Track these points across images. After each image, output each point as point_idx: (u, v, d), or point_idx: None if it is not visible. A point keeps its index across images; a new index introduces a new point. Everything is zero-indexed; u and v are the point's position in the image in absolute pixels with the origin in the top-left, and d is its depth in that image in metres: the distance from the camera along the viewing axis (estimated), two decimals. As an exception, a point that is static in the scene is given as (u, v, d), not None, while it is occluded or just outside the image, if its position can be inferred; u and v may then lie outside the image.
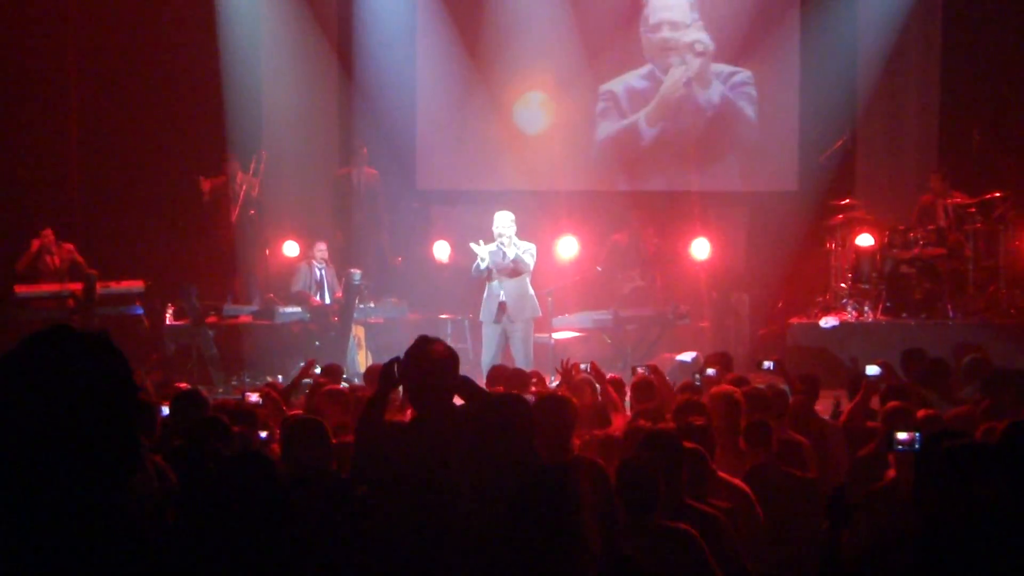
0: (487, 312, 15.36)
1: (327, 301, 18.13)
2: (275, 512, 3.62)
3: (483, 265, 15.18)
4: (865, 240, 17.39)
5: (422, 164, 21.18)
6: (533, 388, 10.25)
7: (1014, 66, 19.07)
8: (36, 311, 17.11)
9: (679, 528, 5.92)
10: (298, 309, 17.83)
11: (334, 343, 17.31)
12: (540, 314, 15.73)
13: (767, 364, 11.42)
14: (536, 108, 20.76)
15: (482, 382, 10.78)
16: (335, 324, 17.61)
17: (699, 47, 20.31)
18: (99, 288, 17.35)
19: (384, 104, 20.34)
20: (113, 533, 2.67)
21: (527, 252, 15.22)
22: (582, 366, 10.66)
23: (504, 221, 15.24)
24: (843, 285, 17.70)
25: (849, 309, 17.29)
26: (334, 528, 5.37)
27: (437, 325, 18.19)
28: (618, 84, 20.71)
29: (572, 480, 4.94)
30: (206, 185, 18.99)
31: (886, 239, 17.29)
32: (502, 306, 15.18)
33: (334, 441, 7.32)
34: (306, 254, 18.73)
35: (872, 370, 11.08)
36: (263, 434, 8.16)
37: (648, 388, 10.07)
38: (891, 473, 7.51)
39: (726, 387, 9.24)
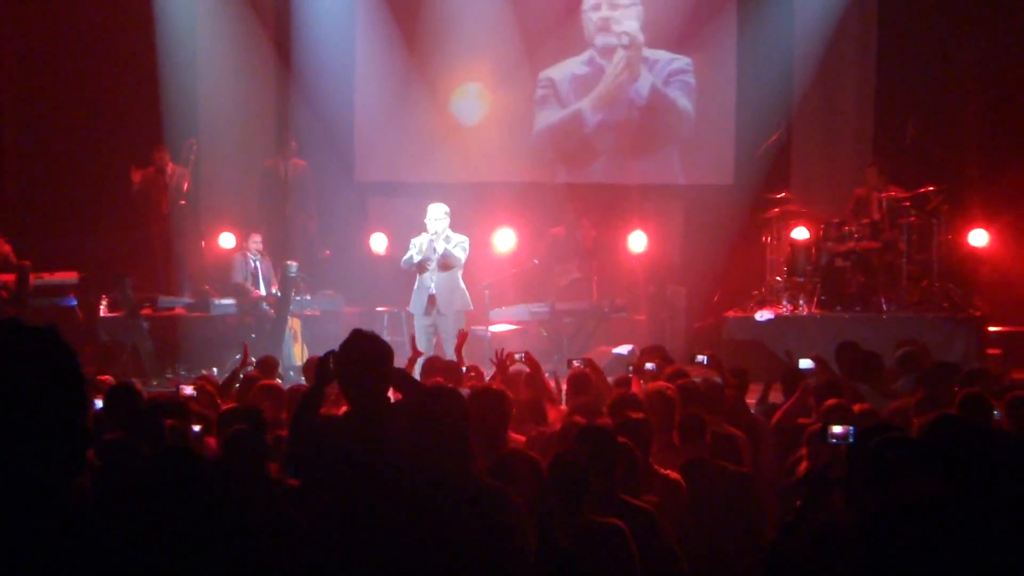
0: (417, 304, 15.34)
1: (263, 293, 18.03)
2: (201, 507, 3.60)
3: (416, 259, 15.15)
4: (800, 233, 17.46)
5: (360, 156, 21.12)
6: (469, 382, 10.23)
7: (950, 60, 19.19)
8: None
9: (608, 523, 5.94)
10: (232, 301, 17.74)
11: (269, 336, 17.23)
12: (471, 307, 15.68)
13: (701, 358, 11.44)
14: (473, 99, 20.74)
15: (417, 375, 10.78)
16: (271, 316, 17.53)
17: (625, 39, 20.31)
18: (32, 279, 17.20)
19: (322, 95, 20.26)
20: (59, 526, 2.65)
21: (459, 245, 15.18)
22: (516, 356, 10.66)
23: (436, 214, 15.20)
24: (778, 278, 17.77)
25: (784, 302, 17.37)
26: (266, 523, 5.35)
27: (374, 318, 18.16)
28: (558, 71, 20.69)
29: (508, 497, 4.95)
30: (136, 176, 18.86)
31: (821, 232, 17.37)
32: (431, 299, 15.15)
33: (268, 436, 7.30)
34: (241, 245, 18.62)
35: (805, 363, 11.15)
36: (196, 428, 8.10)
37: (584, 381, 10.07)
38: (803, 467, 7.57)
39: (660, 383, 9.27)
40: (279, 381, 11.21)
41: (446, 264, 15.11)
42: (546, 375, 10.69)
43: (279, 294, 17.66)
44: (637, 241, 18.87)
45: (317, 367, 6.44)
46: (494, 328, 17.55)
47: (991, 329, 16.99)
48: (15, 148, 20.12)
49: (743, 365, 11.73)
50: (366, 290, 18.84)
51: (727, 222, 19.18)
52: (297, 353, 17.42)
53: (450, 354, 14.36)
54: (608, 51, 20.42)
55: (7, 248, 17.70)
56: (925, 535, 3.27)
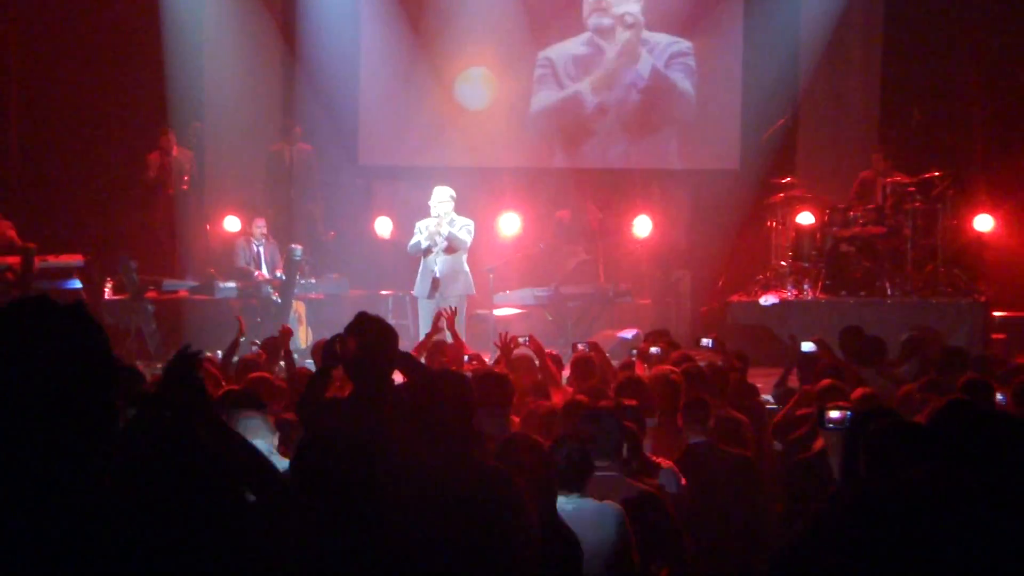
0: (421, 287, 15.31)
1: (266, 276, 18.02)
2: (205, 489, 3.60)
3: (425, 243, 15.12)
4: (805, 218, 17.45)
5: (364, 139, 21.10)
6: (472, 364, 10.23)
7: (955, 46, 19.16)
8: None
9: (607, 504, 5.95)
10: (234, 284, 17.74)
11: (274, 319, 17.23)
12: (474, 291, 15.64)
13: (706, 341, 11.45)
14: (478, 83, 20.71)
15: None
16: (275, 299, 17.54)
17: (629, 19, 20.26)
18: (37, 262, 17.19)
19: (327, 79, 20.23)
20: (89, 504, 2.68)
21: (464, 228, 15.13)
22: (520, 340, 10.66)
23: (441, 196, 15.16)
24: (783, 263, 17.77)
25: (789, 287, 17.36)
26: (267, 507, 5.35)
27: (378, 301, 18.16)
28: (556, 51, 20.62)
29: (514, 483, 4.95)
30: (155, 159, 18.89)
31: (826, 217, 17.35)
32: (435, 282, 15.11)
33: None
34: (246, 229, 18.62)
35: (807, 347, 11.15)
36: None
37: (588, 365, 10.07)
38: (819, 443, 7.56)
39: (665, 367, 9.28)
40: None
41: (451, 247, 15.08)
42: (550, 359, 10.67)
43: (284, 277, 17.67)
44: (642, 225, 18.87)
45: (323, 350, 6.46)
46: (498, 312, 17.55)
47: (996, 314, 17.00)
48: (20, 131, 20.11)
49: (748, 349, 11.74)
50: (370, 274, 18.85)
51: (732, 207, 19.14)
52: (302, 336, 17.43)
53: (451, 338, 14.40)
54: (607, 32, 20.36)
55: (12, 231, 17.70)
56: (909, 515, 3.28)
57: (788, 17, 19.67)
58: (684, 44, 20.30)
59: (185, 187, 18.95)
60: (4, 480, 2.67)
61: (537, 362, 10.32)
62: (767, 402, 11.26)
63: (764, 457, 8.98)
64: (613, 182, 20.27)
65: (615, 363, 11.38)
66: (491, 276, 17.31)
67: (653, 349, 10.96)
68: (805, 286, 17.29)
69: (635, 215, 19.00)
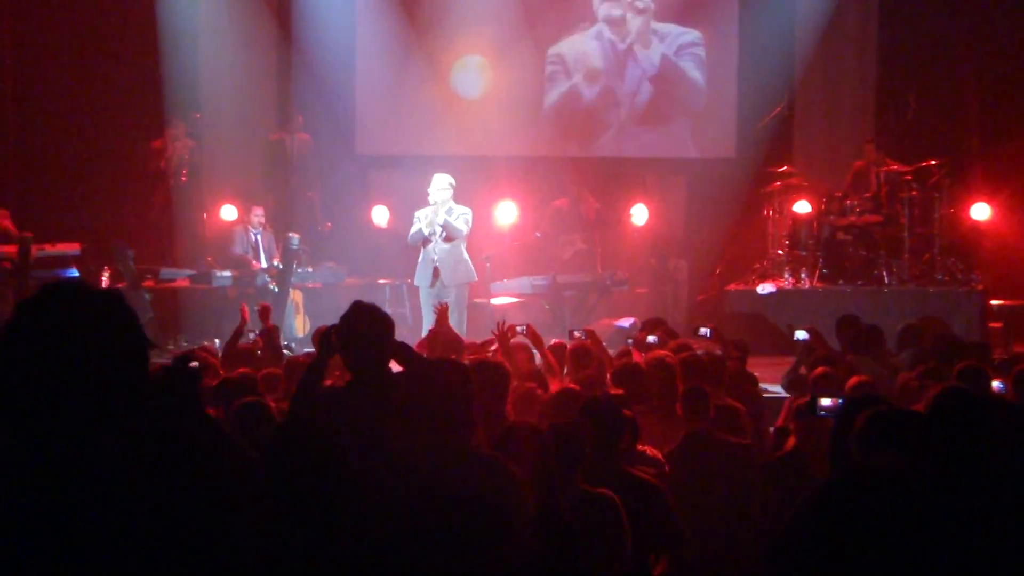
0: (422, 276, 15.29)
1: (263, 265, 18.03)
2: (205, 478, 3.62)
3: (426, 231, 15.11)
4: (802, 207, 17.45)
5: (361, 128, 21.09)
6: (468, 356, 10.22)
7: (951, 34, 19.17)
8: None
9: (601, 493, 5.96)
10: (229, 273, 17.73)
11: (272, 307, 17.23)
12: (475, 279, 15.64)
13: (704, 330, 11.44)
14: (474, 72, 20.69)
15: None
16: (272, 288, 17.54)
17: (640, 4, 20.25)
18: (34, 251, 17.18)
19: (324, 68, 20.21)
20: (122, 484, 2.77)
21: (461, 217, 15.12)
22: (518, 329, 10.65)
23: (440, 184, 15.15)
24: (780, 252, 17.78)
25: (786, 275, 17.38)
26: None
27: (375, 290, 18.16)
28: (567, 46, 20.61)
29: (511, 472, 4.97)
30: (158, 145, 18.92)
31: (823, 206, 17.38)
32: (435, 271, 15.11)
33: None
34: (243, 218, 18.62)
35: (800, 335, 11.18)
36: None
37: (586, 354, 10.07)
38: (791, 442, 7.57)
39: (661, 352, 9.29)
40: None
41: (448, 236, 15.07)
42: (547, 348, 10.66)
43: (281, 266, 17.67)
44: (639, 214, 18.88)
45: (319, 340, 6.47)
46: (496, 300, 17.54)
47: (993, 303, 17.01)
48: (16, 120, 20.08)
49: (745, 338, 11.73)
50: (368, 263, 18.86)
51: (729, 195, 19.16)
52: (299, 325, 17.44)
53: (453, 324, 14.37)
54: (618, 22, 20.34)
55: (7, 220, 17.68)
56: (878, 505, 3.28)
57: (784, 5, 19.65)
58: (693, 34, 20.29)
59: (184, 178, 18.96)
60: (47, 454, 2.73)
61: (535, 351, 10.32)
62: (765, 391, 11.28)
63: (762, 446, 8.98)
64: (610, 171, 20.27)
65: (612, 352, 11.38)
66: (488, 265, 17.30)
67: (651, 338, 10.95)
68: (802, 275, 17.30)
69: (632, 204, 19.01)
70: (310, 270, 18.34)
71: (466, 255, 15.31)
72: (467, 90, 20.67)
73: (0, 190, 18.48)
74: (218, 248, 18.80)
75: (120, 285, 17.34)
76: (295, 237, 17.51)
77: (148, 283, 17.59)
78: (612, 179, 20.06)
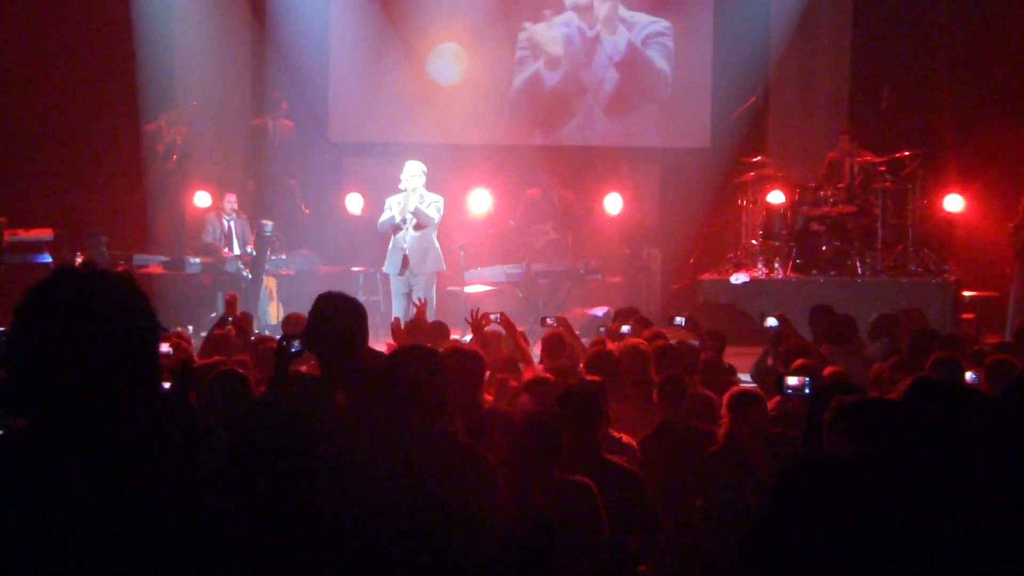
0: (391, 264, 15.29)
1: (236, 252, 18.00)
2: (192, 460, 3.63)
3: (397, 218, 15.09)
4: (776, 197, 17.47)
5: (335, 116, 21.06)
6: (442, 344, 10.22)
7: (924, 25, 19.20)
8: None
9: (577, 481, 5.97)
10: (205, 259, 17.69)
11: (245, 295, 17.20)
12: (444, 268, 15.65)
13: (679, 320, 11.45)
14: (450, 59, 20.67)
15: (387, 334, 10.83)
16: (245, 275, 17.50)
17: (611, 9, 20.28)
18: (7, 236, 17.11)
19: (297, 55, 20.16)
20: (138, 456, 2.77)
21: (433, 205, 15.12)
22: (492, 317, 10.65)
23: (413, 171, 15.14)
24: (754, 242, 17.81)
25: (759, 265, 17.41)
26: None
27: (349, 278, 18.15)
28: (537, 32, 20.57)
29: (482, 455, 4.96)
30: (152, 129, 18.90)
31: (796, 196, 17.40)
32: (405, 259, 15.09)
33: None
34: (216, 205, 18.59)
35: (770, 323, 11.20)
36: (166, 385, 8.04)
37: (559, 342, 10.08)
38: (722, 431, 7.51)
39: (634, 340, 9.30)
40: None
41: (419, 223, 15.06)
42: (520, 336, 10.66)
43: (254, 253, 17.63)
44: (613, 203, 18.90)
45: (276, 353, 6.44)
46: (469, 289, 17.53)
47: (965, 294, 17.08)
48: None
49: (718, 327, 11.75)
50: (342, 250, 18.85)
51: (703, 185, 19.20)
52: (273, 312, 17.42)
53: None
54: (586, 10, 20.33)
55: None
56: (828, 495, 3.29)
57: (759, -5, 19.70)
58: (662, 24, 20.30)
59: (173, 165, 18.93)
60: (59, 441, 2.73)
61: (508, 339, 10.32)
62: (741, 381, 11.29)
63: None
64: (583, 160, 20.27)
65: (586, 341, 11.38)
66: (462, 253, 17.29)
67: (624, 328, 10.96)
68: (776, 265, 17.34)
69: (606, 193, 19.02)
70: (284, 257, 18.31)
71: (436, 243, 15.31)
72: (442, 77, 20.65)
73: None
74: (192, 235, 18.77)
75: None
76: (269, 224, 17.48)
77: (121, 269, 17.52)
78: (586, 168, 20.06)
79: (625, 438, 7.39)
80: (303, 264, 18.57)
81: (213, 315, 13.05)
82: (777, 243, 17.52)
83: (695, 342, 10.66)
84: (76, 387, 2.72)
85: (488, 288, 17.95)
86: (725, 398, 7.41)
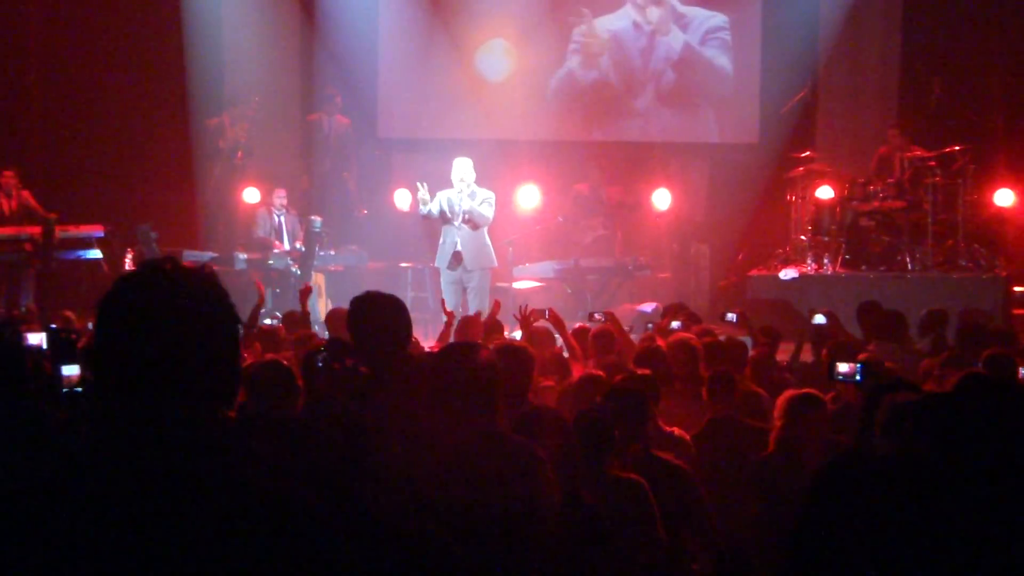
0: (442, 259, 15.23)
1: (285, 248, 18.08)
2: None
3: (424, 210, 15.06)
4: (825, 192, 17.39)
5: (384, 112, 21.12)
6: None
7: (975, 19, 19.08)
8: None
9: (630, 479, 5.97)
10: (251, 256, 17.77)
11: (294, 290, 17.26)
12: (496, 264, 15.61)
13: (730, 316, 11.45)
14: (499, 55, 20.69)
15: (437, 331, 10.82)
16: (295, 271, 17.57)
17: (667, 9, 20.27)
18: (58, 232, 17.23)
19: (346, 51, 20.25)
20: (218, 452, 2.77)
21: (485, 202, 15.03)
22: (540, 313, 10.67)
23: (464, 168, 15.11)
24: (803, 237, 17.72)
25: (808, 261, 17.33)
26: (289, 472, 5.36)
27: (398, 273, 18.20)
28: (592, 26, 20.57)
29: (534, 451, 4.97)
30: (215, 124, 19.03)
31: (846, 192, 17.31)
32: (457, 255, 15.05)
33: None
34: (266, 200, 18.67)
35: (818, 319, 11.16)
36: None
37: (609, 339, 10.07)
38: (773, 432, 7.42)
39: (684, 334, 9.29)
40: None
41: (474, 223, 15.03)
42: (570, 333, 10.67)
43: (303, 249, 17.70)
44: (661, 199, 18.87)
45: (302, 367, 6.47)
46: (518, 285, 17.54)
47: (1016, 289, 16.94)
48: (42, 102, 20.14)
49: (767, 323, 11.71)
50: (390, 246, 18.89)
51: (752, 181, 19.16)
52: (322, 308, 17.46)
53: (474, 310, 14.35)
54: (642, 6, 20.31)
55: (33, 201, 17.73)
56: (869, 491, 3.27)
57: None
58: (719, 18, 20.25)
59: (239, 161, 19.04)
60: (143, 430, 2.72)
61: (557, 336, 10.32)
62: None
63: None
64: (632, 156, 20.25)
65: (634, 337, 11.38)
66: (511, 249, 17.30)
67: (674, 323, 10.95)
68: (825, 260, 17.25)
69: (654, 188, 19.00)
70: (332, 253, 18.36)
71: (488, 239, 15.28)
72: (491, 73, 20.67)
73: (25, 171, 18.49)
74: (242, 230, 18.87)
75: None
76: (317, 220, 17.55)
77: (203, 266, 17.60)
78: (634, 164, 20.05)
79: (678, 432, 7.39)
80: (352, 260, 18.62)
81: (263, 310, 13.07)
82: (826, 238, 17.45)
83: (745, 338, 10.63)
84: (162, 385, 2.72)
85: (537, 284, 17.98)
86: (782, 400, 7.31)
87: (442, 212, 15.06)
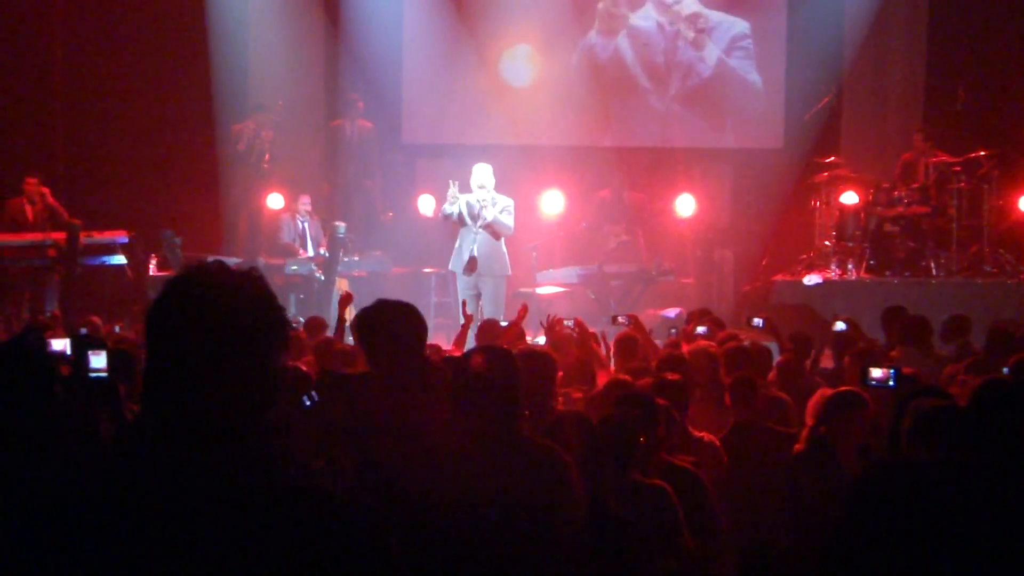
0: (457, 263, 15.21)
1: (309, 253, 18.11)
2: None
3: (449, 209, 15.05)
4: (849, 198, 17.37)
5: (408, 117, 21.15)
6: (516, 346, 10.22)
7: (1001, 24, 19.04)
8: (14, 260, 17.04)
9: (654, 485, 5.96)
10: (270, 261, 17.79)
11: (317, 296, 17.29)
12: (510, 273, 15.53)
13: (757, 321, 11.43)
14: (523, 61, 20.70)
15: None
16: (318, 277, 17.59)
17: (701, 23, 20.26)
18: (82, 238, 17.27)
19: (371, 56, 20.28)
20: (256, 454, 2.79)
21: (506, 210, 14.99)
22: (566, 322, 10.65)
23: (484, 174, 15.09)
24: (827, 243, 17.70)
25: (833, 267, 17.30)
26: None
27: (421, 279, 18.20)
28: (615, 2, 20.58)
29: (559, 455, 4.96)
30: (238, 129, 19.08)
31: (870, 197, 17.29)
32: (472, 260, 15.01)
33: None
34: (290, 206, 18.69)
35: (839, 326, 11.14)
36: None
37: (631, 344, 10.06)
38: (804, 432, 7.39)
39: (704, 342, 9.28)
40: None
41: (495, 232, 15.00)
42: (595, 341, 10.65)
43: (327, 255, 17.72)
44: (685, 204, 18.84)
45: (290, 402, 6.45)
46: (541, 290, 17.53)
47: (1042, 295, 16.89)
48: (66, 108, 20.22)
49: (790, 329, 11.68)
50: (414, 251, 18.89)
51: (776, 186, 19.13)
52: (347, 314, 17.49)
53: (489, 315, 14.32)
54: (666, 8, 20.32)
55: (58, 207, 17.79)
56: (904, 498, 3.26)
57: (833, -5, 19.62)
58: (742, 25, 20.24)
59: (266, 166, 19.06)
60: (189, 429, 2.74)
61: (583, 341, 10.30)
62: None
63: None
64: (655, 161, 20.24)
65: (657, 342, 11.36)
66: (534, 254, 17.30)
67: (700, 329, 10.92)
68: (849, 266, 17.23)
69: (678, 194, 18.97)
70: (356, 258, 18.38)
71: (504, 247, 15.24)
72: (515, 79, 20.68)
73: (49, 177, 18.55)
74: (265, 236, 18.89)
75: (167, 273, 17.43)
76: (341, 225, 17.57)
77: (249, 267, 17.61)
78: (658, 169, 20.03)
79: (707, 437, 7.38)
80: (375, 266, 18.62)
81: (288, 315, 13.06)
82: (851, 244, 17.42)
83: (771, 344, 10.61)
84: (212, 383, 2.74)
85: (560, 289, 17.96)
86: (819, 397, 7.26)
87: (460, 215, 15.05)
